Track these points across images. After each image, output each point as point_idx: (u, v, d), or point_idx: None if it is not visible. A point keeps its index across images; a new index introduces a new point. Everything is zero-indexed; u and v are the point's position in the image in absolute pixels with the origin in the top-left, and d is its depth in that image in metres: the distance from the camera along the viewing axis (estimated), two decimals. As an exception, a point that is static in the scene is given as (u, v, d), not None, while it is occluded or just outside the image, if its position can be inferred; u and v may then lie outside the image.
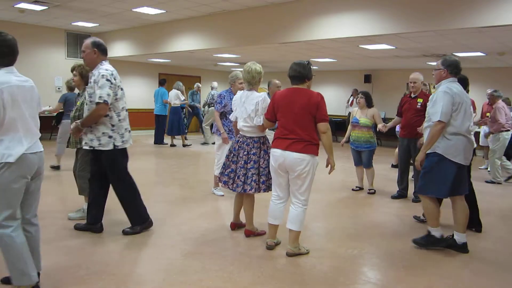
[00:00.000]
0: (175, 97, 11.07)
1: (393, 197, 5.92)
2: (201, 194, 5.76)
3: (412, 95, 5.71)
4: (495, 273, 3.48)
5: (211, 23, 9.34)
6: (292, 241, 3.58)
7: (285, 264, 3.43)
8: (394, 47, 8.82)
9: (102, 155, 3.83)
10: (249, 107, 3.82)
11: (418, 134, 5.59)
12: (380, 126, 5.89)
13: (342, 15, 7.33)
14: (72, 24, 11.07)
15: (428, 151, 3.86)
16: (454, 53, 9.38)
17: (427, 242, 3.95)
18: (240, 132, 3.95)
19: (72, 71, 4.44)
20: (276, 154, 3.49)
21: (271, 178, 3.77)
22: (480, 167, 8.70)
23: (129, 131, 3.94)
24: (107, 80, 3.62)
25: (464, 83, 4.59)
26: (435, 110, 3.71)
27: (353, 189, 6.37)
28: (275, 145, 3.52)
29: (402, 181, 5.96)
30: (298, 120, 3.41)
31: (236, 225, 4.23)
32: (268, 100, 3.78)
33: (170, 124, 11.13)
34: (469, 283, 3.31)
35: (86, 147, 3.86)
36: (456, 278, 3.38)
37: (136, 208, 4.05)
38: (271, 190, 3.81)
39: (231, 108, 4.50)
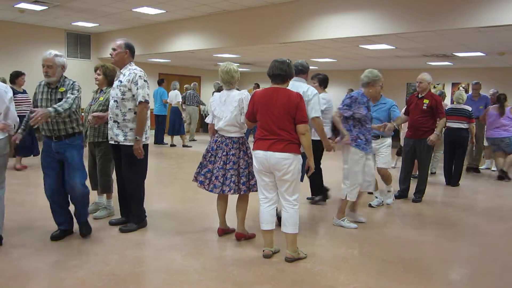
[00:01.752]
0: (176, 97, 11.11)
1: (394, 197, 5.91)
2: (201, 195, 5.75)
3: (419, 95, 5.68)
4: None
5: (211, 23, 9.35)
6: (290, 244, 3.44)
7: (285, 264, 3.42)
8: (394, 47, 8.83)
9: (123, 149, 3.96)
10: (231, 105, 3.72)
11: (424, 135, 5.56)
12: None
13: (342, 15, 7.33)
14: (72, 24, 11.08)
15: None
16: (454, 53, 9.39)
17: None
18: (219, 132, 3.84)
19: (95, 70, 4.60)
20: (259, 156, 3.38)
21: (252, 179, 3.73)
22: (481, 167, 8.66)
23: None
24: (145, 81, 3.93)
25: (326, 82, 5.35)
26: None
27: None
28: (256, 147, 3.42)
29: (405, 181, 5.94)
30: (277, 121, 3.31)
31: (223, 231, 4.06)
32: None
33: (171, 124, 11.16)
34: (470, 284, 3.32)
35: (112, 142, 4.02)
36: (456, 279, 3.38)
37: (141, 206, 4.16)
38: (251, 191, 3.77)
39: (365, 114, 4.25)
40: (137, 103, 3.87)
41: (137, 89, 3.86)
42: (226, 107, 3.76)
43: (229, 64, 3.83)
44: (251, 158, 3.69)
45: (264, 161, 3.36)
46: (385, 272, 3.41)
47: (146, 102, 3.89)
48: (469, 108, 7.01)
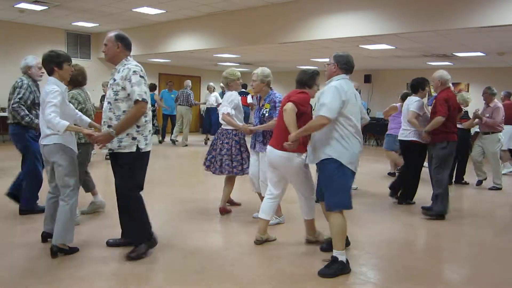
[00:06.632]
0: (217, 99, 11.18)
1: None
2: (201, 194, 5.76)
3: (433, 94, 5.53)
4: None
5: (211, 23, 9.35)
6: (310, 229, 3.88)
7: (285, 264, 3.43)
8: (394, 47, 8.82)
9: (120, 158, 3.40)
10: (223, 104, 4.59)
11: (434, 139, 4.96)
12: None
13: (342, 15, 7.33)
14: (72, 24, 11.08)
15: (326, 158, 3.27)
16: (454, 53, 9.39)
17: (336, 271, 3.25)
18: (222, 126, 4.64)
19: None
20: (267, 150, 3.72)
21: (244, 164, 4.50)
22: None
23: (152, 134, 3.56)
24: (141, 76, 3.32)
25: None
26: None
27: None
28: (269, 143, 3.79)
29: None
30: (280, 119, 3.56)
31: (225, 210, 4.78)
32: (233, 98, 4.44)
33: (207, 123, 11.87)
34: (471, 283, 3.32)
35: (105, 150, 3.62)
36: (456, 279, 3.38)
37: (142, 223, 3.51)
38: (245, 174, 4.54)
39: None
40: (133, 102, 3.25)
41: (132, 86, 3.24)
42: (221, 105, 4.60)
43: (229, 69, 4.64)
44: (244, 146, 4.57)
45: (270, 156, 3.66)
46: (385, 272, 3.41)
47: (144, 101, 3.25)
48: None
